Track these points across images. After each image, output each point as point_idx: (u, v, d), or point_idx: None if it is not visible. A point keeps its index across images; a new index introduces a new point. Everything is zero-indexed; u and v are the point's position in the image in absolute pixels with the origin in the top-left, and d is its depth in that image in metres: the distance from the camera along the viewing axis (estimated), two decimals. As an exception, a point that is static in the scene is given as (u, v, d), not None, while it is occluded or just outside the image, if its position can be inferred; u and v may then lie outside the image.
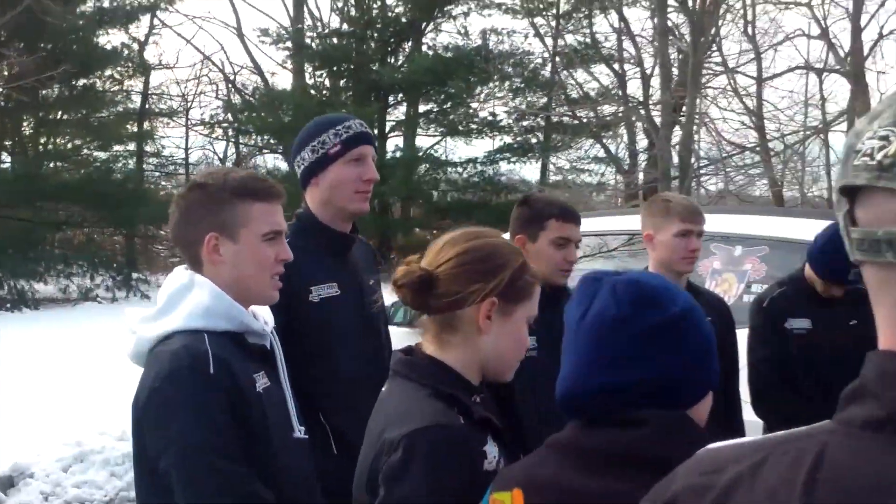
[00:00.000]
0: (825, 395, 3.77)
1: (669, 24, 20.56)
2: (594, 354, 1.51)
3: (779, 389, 3.84)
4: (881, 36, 26.95)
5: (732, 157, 23.07)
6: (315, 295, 2.96)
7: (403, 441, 1.75)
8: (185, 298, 2.23)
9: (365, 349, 3.08)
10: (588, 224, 6.12)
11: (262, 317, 2.40)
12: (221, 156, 29.20)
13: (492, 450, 1.82)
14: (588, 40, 25.14)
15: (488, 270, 1.89)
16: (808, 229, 4.76)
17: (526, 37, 24.83)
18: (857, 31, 26.36)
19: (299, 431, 2.38)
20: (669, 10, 19.47)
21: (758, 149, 24.02)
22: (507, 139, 23.20)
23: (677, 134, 18.70)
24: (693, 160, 18.51)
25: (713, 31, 19.47)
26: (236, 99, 25.97)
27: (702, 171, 20.07)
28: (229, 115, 25.19)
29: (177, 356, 2.11)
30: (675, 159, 17.23)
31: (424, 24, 23.51)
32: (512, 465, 1.68)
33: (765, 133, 25.27)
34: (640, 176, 23.84)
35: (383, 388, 2.00)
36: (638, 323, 1.49)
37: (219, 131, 26.87)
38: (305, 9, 25.06)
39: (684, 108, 18.23)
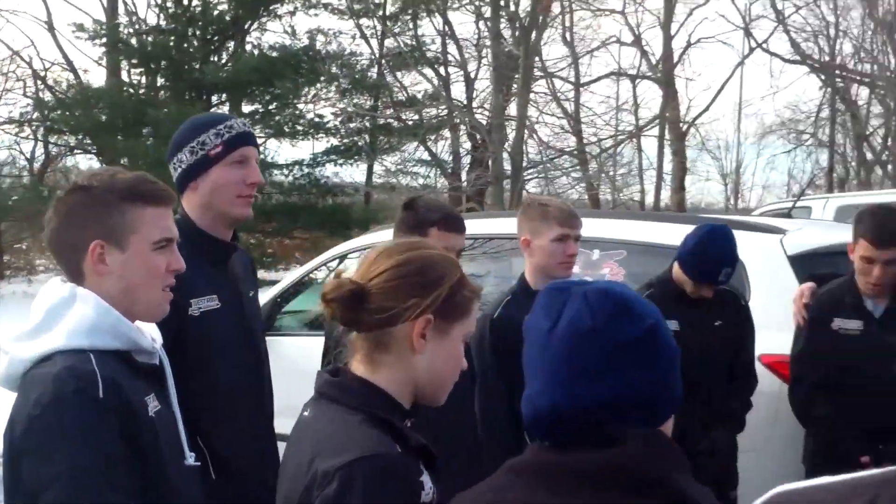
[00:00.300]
0: (692, 395, 3.85)
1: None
2: (569, 369, 1.42)
3: None
4: (689, 44, 28.32)
5: (553, 161, 23.66)
6: (195, 308, 2.76)
7: (340, 473, 1.62)
8: (65, 314, 2.01)
9: (245, 362, 2.94)
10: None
11: (149, 333, 2.20)
12: (29, 156, 27.74)
13: (427, 480, 1.70)
14: (413, 43, 25.25)
15: (425, 284, 1.78)
16: (666, 233, 4.87)
17: (353, 38, 24.71)
18: (667, 39, 27.60)
19: (190, 458, 2.20)
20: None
21: (576, 152, 24.75)
22: (334, 141, 22.96)
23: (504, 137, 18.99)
24: (525, 163, 18.86)
25: (536, 36, 19.89)
26: (47, 96, 24.62)
27: (527, 176, 20.52)
28: (39, 114, 23.86)
29: (60, 378, 1.88)
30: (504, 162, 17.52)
31: (249, 22, 22.97)
32: (464, 494, 1.56)
33: (582, 137, 26.07)
34: (464, 178, 24.17)
35: (305, 413, 1.84)
36: (615, 335, 1.42)
37: (28, 130, 25.44)
38: (121, 4, 24.09)
39: (513, 112, 18.60)
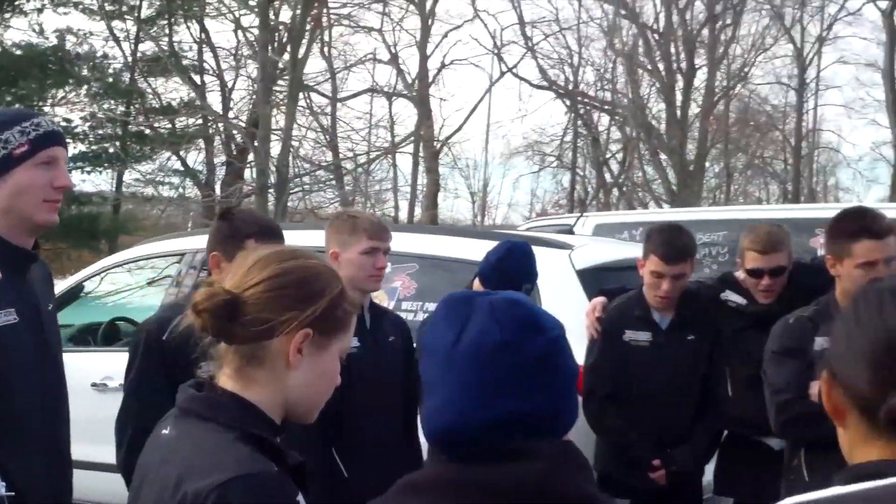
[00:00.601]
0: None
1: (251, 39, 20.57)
2: (479, 383, 1.39)
3: None
4: (444, 65, 29.05)
5: (314, 175, 23.58)
6: None
7: (214, 494, 1.49)
8: None
9: (46, 381, 2.69)
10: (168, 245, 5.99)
11: None
12: None
13: (302, 501, 1.61)
14: (168, 49, 24.42)
15: (304, 297, 1.68)
16: (458, 247, 4.94)
17: (106, 40, 23.56)
18: (423, 59, 28.19)
19: (2, 487, 2.00)
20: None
21: (332, 167, 24.78)
22: (82, 147, 21.79)
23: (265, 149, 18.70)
24: (291, 174, 18.63)
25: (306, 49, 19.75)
26: None
27: (293, 189, 20.32)
28: None
29: None
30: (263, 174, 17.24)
31: (-10, 17, 21.50)
32: None
33: (338, 152, 26.16)
34: (218, 190, 23.58)
35: (164, 431, 1.69)
36: (525, 348, 1.40)
37: None
38: None
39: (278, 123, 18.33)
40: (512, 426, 1.38)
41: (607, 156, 29.88)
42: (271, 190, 16.11)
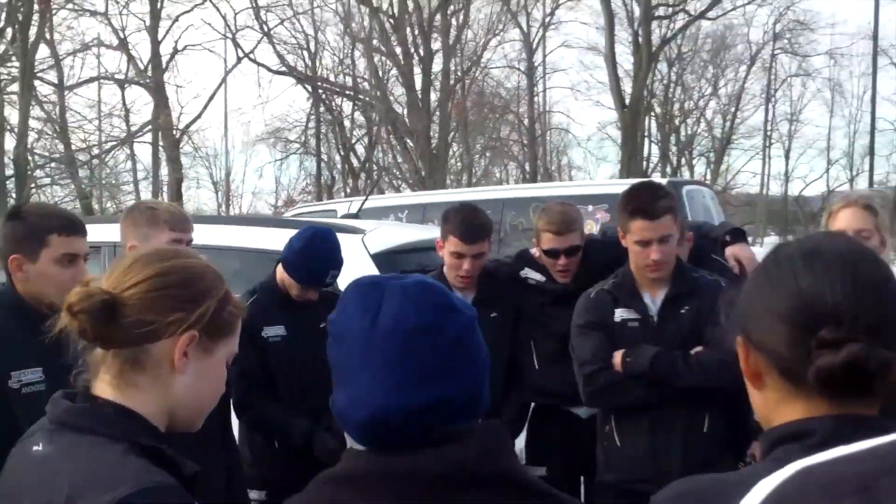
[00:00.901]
0: (303, 398, 3.83)
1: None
2: (403, 368, 1.33)
3: (261, 400, 3.80)
4: (177, 50, 28.13)
5: (46, 167, 22.19)
6: None
7: None
8: None
9: None
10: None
11: None
12: None
13: None
14: None
15: (190, 298, 1.57)
16: (250, 236, 4.81)
17: None
18: (155, 44, 27.18)
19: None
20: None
21: (66, 159, 23.47)
22: None
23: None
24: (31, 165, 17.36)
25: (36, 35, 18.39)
26: None
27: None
28: None
29: None
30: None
31: None
32: None
33: (70, 143, 24.78)
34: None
35: (37, 447, 1.51)
36: (444, 331, 1.36)
37: None
38: None
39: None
40: (440, 410, 1.34)
41: (353, 141, 30.03)
42: (8, 182, 14.98)
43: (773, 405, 1.31)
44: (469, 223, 3.90)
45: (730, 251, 3.82)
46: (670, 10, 30.88)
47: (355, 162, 29.94)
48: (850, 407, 1.23)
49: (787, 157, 39.81)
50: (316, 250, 3.76)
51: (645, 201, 3.41)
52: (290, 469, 3.89)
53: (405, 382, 1.33)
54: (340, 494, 1.35)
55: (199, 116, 28.56)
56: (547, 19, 32.45)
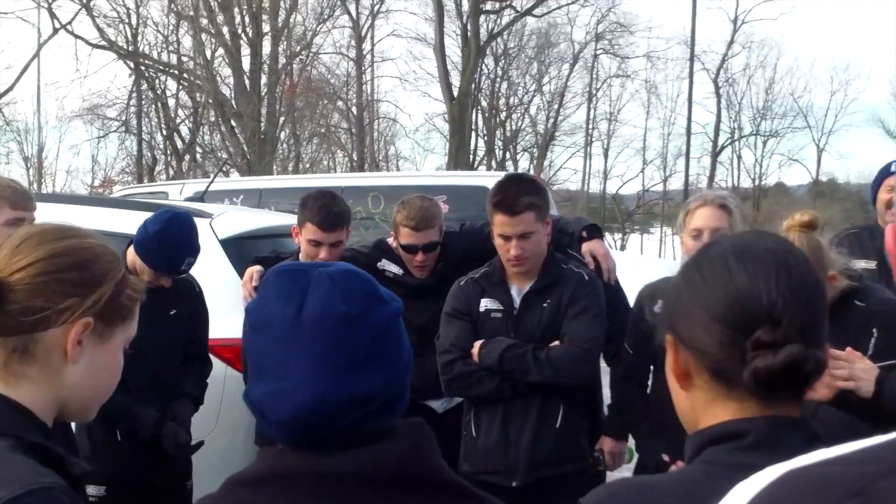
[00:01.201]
0: (151, 388, 3.70)
1: None
2: (332, 359, 1.27)
3: None
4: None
5: None
6: None
7: None
8: None
9: None
10: None
11: None
12: None
13: None
14: None
15: (84, 282, 1.45)
16: (98, 218, 4.58)
17: None
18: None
19: None
20: None
21: None
22: None
23: None
24: None
25: None
26: None
27: None
28: None
29: None
30: None
31: None
32: None
33: None
34: None
35: None
36: (372, 320, 1.31)
37: None
38: None
39: None
40: (369, 403, 1.29)
41: (178, 121, 29.10)
42: None
43: (701, 406, 1.29)
44: (327, 210, 3.83)
45: (586, 247, 3.90)
46: (497, 5, 31.38)
47: (179, 143, 29.02)
48: (781, 409, 1.23)
49: (605, 156, 41.39)
50: (174, 236, 3.61)
51: (508, 196, 3.39)
52: (135, 463, 3.75)
53: (335, 371, 1.27)
54: (260, 498, 1.28)
55: (10, 88, 27.05)
56: (376, 7, 32.44)
